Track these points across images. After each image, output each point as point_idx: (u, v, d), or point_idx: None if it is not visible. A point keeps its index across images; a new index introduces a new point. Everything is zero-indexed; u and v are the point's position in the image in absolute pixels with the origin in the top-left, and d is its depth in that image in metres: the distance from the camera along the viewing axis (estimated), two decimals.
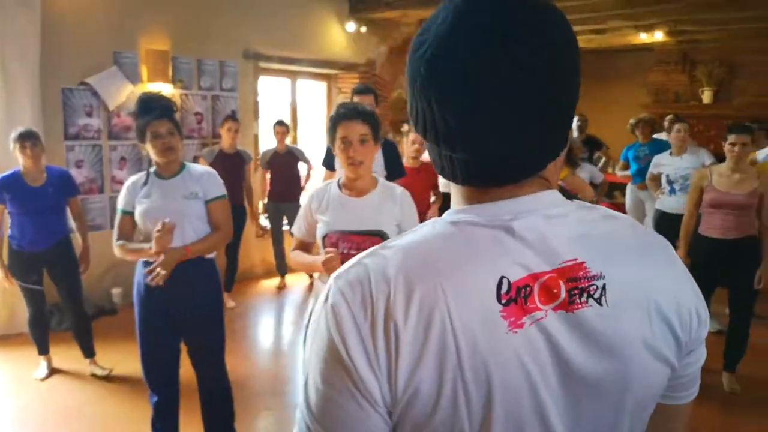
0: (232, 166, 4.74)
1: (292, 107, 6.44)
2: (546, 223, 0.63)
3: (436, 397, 0.58)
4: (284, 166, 5.26)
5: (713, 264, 3.38)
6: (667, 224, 4.53)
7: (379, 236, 2.05)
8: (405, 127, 7.03)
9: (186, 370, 2.63)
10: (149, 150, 2.42)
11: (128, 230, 2.50)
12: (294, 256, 2.26)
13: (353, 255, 1.99)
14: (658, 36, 7.31)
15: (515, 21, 0.59)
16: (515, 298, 0.60)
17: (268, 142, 5.66)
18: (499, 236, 0.62)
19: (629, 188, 5.79)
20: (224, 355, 2.65)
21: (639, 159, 5.55)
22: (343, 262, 2.02)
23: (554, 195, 0.66)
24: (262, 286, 5.60)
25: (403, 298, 0.59)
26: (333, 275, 0.66)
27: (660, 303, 0.64)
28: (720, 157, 4.34)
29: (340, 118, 2.07)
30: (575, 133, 6.21)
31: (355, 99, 3.53)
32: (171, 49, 4.93)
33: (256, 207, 5.27)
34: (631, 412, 0.65)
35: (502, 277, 0.60)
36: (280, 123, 5.32)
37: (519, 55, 0.58)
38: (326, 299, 0.63)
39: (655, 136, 5.78)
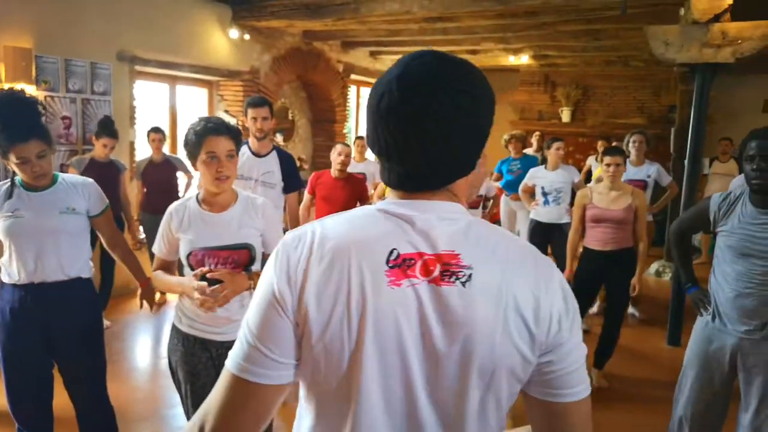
0: (104, 175, 4.41)
1: (171, 114, 6.13)
2: (438, 222, 0.84)
3: (329, 317, 0.82)
4: (161, 175, 4.99)
5: (594, 273, 3.75)
6: (540, 232, 4.93)
7: (246, 249, 2.06)
8: (278, 137, 6.98)
9: (60, 400, 2.41)
10: (14, 170, 2.19)
11: None
12: (157, 275, 2.17)
13: (221, 270, 2.03)
14: (524, 59, 7.94)
15: (453, 74, 0.83)
16: (400, 264, 0.82)
17: (145, 149, 5.34)
18: (403, 224, 0.85)
19: (503, 199, 6.20)
20: (106, 379, 2.47)
21: (512, 172, 5.97)
22: (209, 281, 1.96)
23: (453, 206, 0.87)
24: (138, 302, 5.24)
25: (319, 248, 0.84)
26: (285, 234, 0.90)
27: (518, 300, 0.82)
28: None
29: (208, 131, 2.01)
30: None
31: (250, 111, 3.45)
32: (34, 46, 4.50)
33: (133, 219, 4.94)
34: (478, 384, 0.83)
35: (393, 249, 0.83)
36: (155, 130, 5.03)
37: (456, 98, 0.81)
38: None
39: (524, 151, 6.25)
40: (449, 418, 0.84)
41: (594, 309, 5.20)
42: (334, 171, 4.13)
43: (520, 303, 0.82)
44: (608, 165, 3.66)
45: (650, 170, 5.01)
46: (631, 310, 5.11)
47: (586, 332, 4.54)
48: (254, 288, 1.99)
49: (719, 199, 2.41)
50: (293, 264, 0.84)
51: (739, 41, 4.07)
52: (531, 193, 5.09)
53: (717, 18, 4.13)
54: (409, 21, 5.82)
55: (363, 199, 4.33)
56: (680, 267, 2.68)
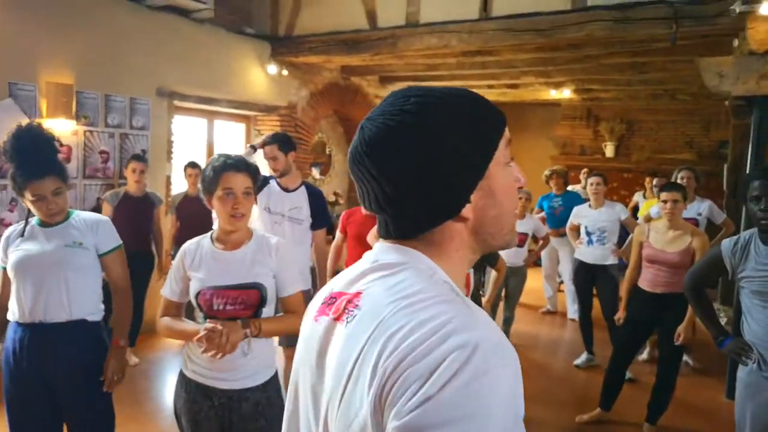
0: (138, 209, 4.40)
1: (208, 148, 6.16)
2: (378, 266, 0.80)
3: None
4: (196, 210, 4.96)
5: (643, 315, 3.48)
6: (584, 273, 4.67)
7: (256, 289, 1.96)
8: (314, 171, 6.94)
9: None
10: (29, 207, 2.15)
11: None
12: (166, 323, 2.05)
13: (229, 312, 1.89)
14: (566, 93, 7.75)
15: (433, 117, 0.75)
16: (328, 302, 0.84)
17: (181, 184, 5.34)
18: (361, 266, 0.83)
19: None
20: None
21: (553, 209, 5.74)
22: (219, 317, 1.84)
23: (396, 250, 0.80)
24: (167, 339, 5.17)
25: None
26: None
27: (375, 359, 0.69)
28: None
29: (225, 168, 1.97)
30: None
31: (262, 151, 3.43)
32: (75, 82, 4.57)
33: (165, 254, 4.90)
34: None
35: (332, 288, 0.86)
36: (192, 165, 5.04)
37: (432, 145, 0.74)
38: None
39: (569, 188, 6.02)
40: None
41: (644, 355, 4.87)
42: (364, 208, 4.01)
43: (376, 362, 0.69)
44: (665, 201, 3.40)
45: (701, 207, 4.72)
46: (684, 358, 4.75)
47: (632, 381, 4.20)
48: (252, 336, 1.90)
49: (731, 245, 2.32)
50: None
51: None
52: (577, 231, 4.86)
53: None
54: (447, 55, 5.74)
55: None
56: (705, 322, 2.51)
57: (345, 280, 0.84)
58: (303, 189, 3.50)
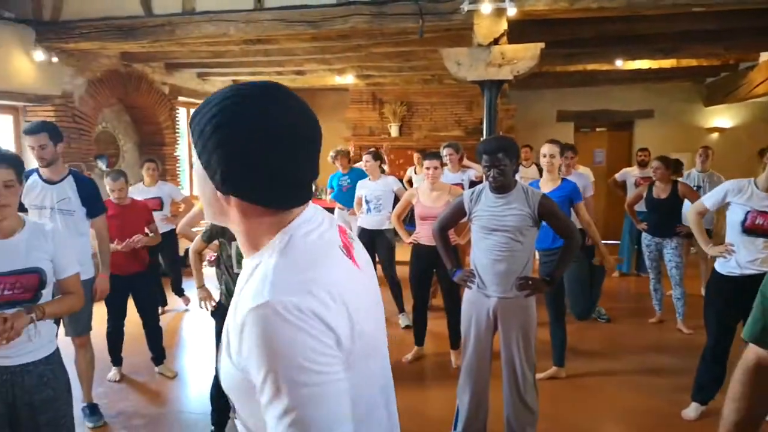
0: None
1: None
2: (323, 215, 1.05)
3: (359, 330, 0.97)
4: None
5: (423, 264, 4.43)
6: (367, 237, 5.30)
7: (35, 273, 2.10)
8: (100, 163, 6.65)
9: None
10: None
11: None
12: None
13: (7, 296, 2.09)
14: (350, 79, 8.37)
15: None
16: (345, 250, 1.03)
17: None
18: (320, 227, 1.03)
19: (337, 212, 6.45)
20: None
21: (342, 186, 6.26)
22: None
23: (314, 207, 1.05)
24: None
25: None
26: None
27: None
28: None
29: None
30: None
31: (27, 140, 3.28)
32: None
33: None
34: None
35: (339, 245, 1.03)
36: None
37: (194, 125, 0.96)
38: None
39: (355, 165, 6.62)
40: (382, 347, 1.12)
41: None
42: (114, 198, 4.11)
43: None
44: (427, 168, 4.26)
45: (464, 176, 5.68)
46: None
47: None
48: (37, 320, 2.02)
49: (469, 194, 3.02)
50: (334, 322, 0.91)
51: (515, 61, 4.76)
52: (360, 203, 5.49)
53: (496, 41, 4.78)
54: (229, 43, 5.91)
55: (149, 221, 4.35)
56: (442, 254, 3.25)
57: (332, 236, 1.02)
58: (70, 178, 3.43)
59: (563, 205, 3.85)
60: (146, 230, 4.26)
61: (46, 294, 2.15)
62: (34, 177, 3.38)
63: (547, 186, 4.09)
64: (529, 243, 2.88)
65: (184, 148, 8.62)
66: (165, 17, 5.32)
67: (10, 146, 6.00)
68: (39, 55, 5.74)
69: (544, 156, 4.12)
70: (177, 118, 8.11)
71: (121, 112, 7.56)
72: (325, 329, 0.85)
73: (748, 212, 3.17)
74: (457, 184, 5.21)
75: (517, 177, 7.72)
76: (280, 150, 0.88)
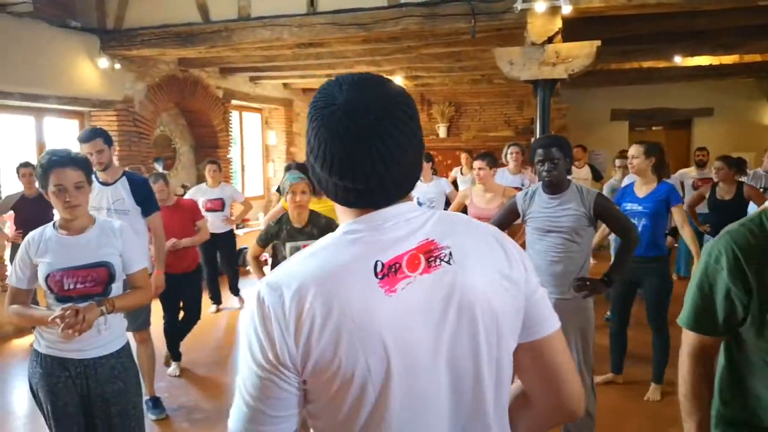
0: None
1: (39, 147, 5.89)
2: (405, 223, 0.91)
3: (340, 361, 0.84)
4: (35, 210, 4.81)
5: None
6: None
7: (104, 267, 2.18)
8: (157, 166, 6.88)
9: None
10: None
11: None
12: (15, 310, 2.20)
13: (80, 290, 2.16)
14: (399, 80, 8.40)
15: (395, 95, 0.89)
16: (387, 273, 0.88)
17: (12, 185, 5.11)
18: (373, 238, 0.90)
19: None
20: None
21: None
22: (71, 295, 2.03)
23: (411, 204, 0.95)
24: (14, 345, 4.99)
25: (301, 302, 0.86)
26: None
27: (493, 258, 0.94)
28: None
29: (53, 164, 2.12)
30: None
31: (83, 147, 3.35)
32: None
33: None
34: (489, 347, 0.91)
35: (377, 261, 0.88)
36: (24, 165, 4.87)
37: (409, 114, 0.89)
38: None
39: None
40: (468, 388, 0.91)
41: None
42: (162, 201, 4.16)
43: (498, 262, 0.93)
44: (474, 169, 4.23)
45: (524, 178, 5.60)
46: None
47: None
48: (107, 313, 2.10)
49: (522, 195, 2.96)
50: (283, 324, 0.85)
51: (570, 59, 4.67)
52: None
53: (550, 40, 4.71)
54: (282, 47, 6.03)
55: (197, 218, 4.42)
56: None
57: (381, 251, 0.89)
58: (123, 180, 3.52)
59: (661, 209, 3.68)
60: (195, 228, 4.37)
61: (116, 288, 2.25)
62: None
63: (641, 190, 3.83)
64: (585, 243, 2.82)
65: (237, 150, 8.84)
66: (221, 23, 5.47)
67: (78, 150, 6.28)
68: (103, 62, 6.01)
69: (630, 158, 3.89)
70: (230, 121, 8.32)
71: (178, 116, 7.81)
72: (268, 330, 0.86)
73: None
74: (516, 188, 5.16)
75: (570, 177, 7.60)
76: (317, 139, 0.88)
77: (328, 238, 0.94)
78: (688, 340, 1.46)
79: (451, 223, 0.96)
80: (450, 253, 0.90)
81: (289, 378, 0.86)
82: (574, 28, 4.93)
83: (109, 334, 2.21)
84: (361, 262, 0.88)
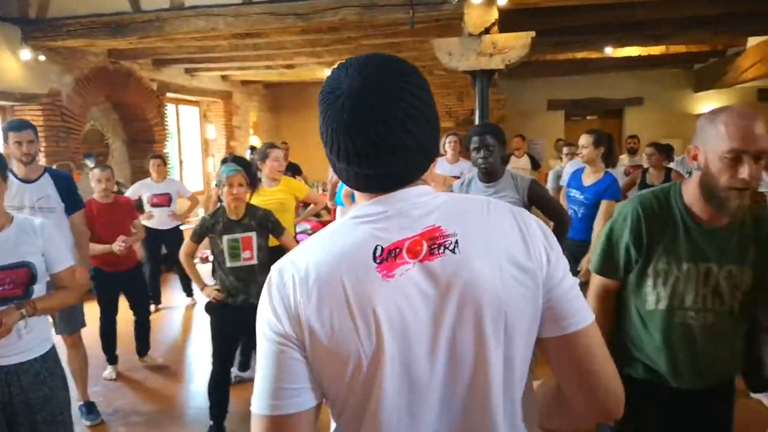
0: None
1: None
2: (412, 207, 0.88)
3: (339, 338, 0.85)
4: None
5: None
6: None
7: (25, 267, 2.08)
8: (88, 162, 6.58)
9: None
10: None
11: None
12: None
13: None
14: None
15: (405, 76, 0.86)
16: (386, 258, 0.86)
17: None
18: (378, 222, 0.88)
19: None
20: None
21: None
22: None
23: (423, 188, 0.92)
24: None
25: (305, 281, 0.87)
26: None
27: (508, 247, 0.88)
28: None
29: None
30: None
31: (12, 136, 3.20)
32: None
33: None
34: (496, 343, 0.87)
35: (377, 246, 0.87)
36: None
37: (417, 95, 0.85)
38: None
39: None
40: (473, 385, 0.88)
41: None
42: (97, 197, 4.02)
43: (511, 249, 0.88)
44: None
45: (463, 167, 5.65)
46: None
47: None
48: (27, 316, 2.00)
49: (459, 184, 3.00)
50: (287, 302, 0.87)
51: (506, 50, 4.75)
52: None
53: (487, 31, 4.77)
54: (218, 38, 5.86)
55: (134, 217, 4.28)
56: None
57: (383, 235, 0.87)
58: (47, 176, 3.36)
59: (600, 201, 3.72)
60: (131, 228, 4.25)
61: (39, 290, 2.13)
62: (10, 177, 3.32)
63: (588, 179, 3.91)
64: None
65: (174, 145, 8.58)
66: (153, 13, 5.27)
67: None
68: (25, 53, 5.67)
69: (579, 147, 3.98)
70: (166, 115, 8.05)
71: (109, 110, 7.49)
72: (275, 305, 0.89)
73: None
74: (455, 176, 5.21)
75: (509, 168, 7.79)
76: (325, 125, 0.87)
77: (337, 222, 0.94)
78: (595, 282, 1.75)
79: (463, 207, 0.92)
80: (456, 242, 0.87)
81: (297, 348, 0.87)
82: (510, 20, 5.01)
83: (32, 338, 2.09)
84: (363, 246, 0.87)
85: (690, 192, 1.59)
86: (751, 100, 9.27)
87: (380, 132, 0.83)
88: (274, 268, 0.92)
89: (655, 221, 1.60)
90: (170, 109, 8.36)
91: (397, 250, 0.86)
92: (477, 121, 5.03)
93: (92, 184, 4.06)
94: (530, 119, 9.79)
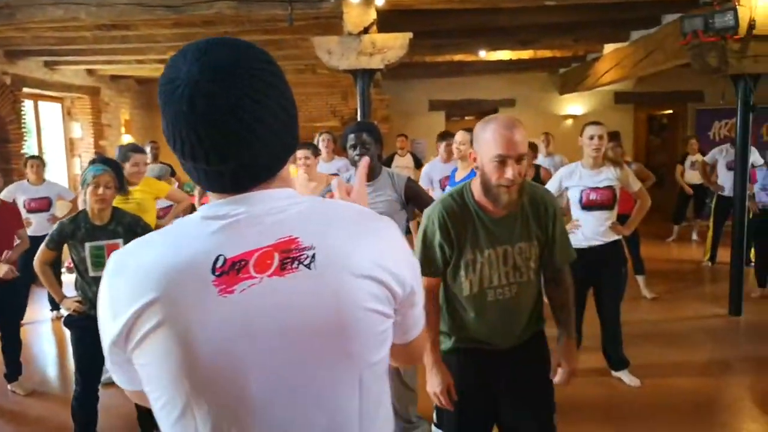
0: None
1: None
2: (271, 212, 0.80)
3: (156, 358, 0.77)
4: None
5: None
6: None
7: None
8: None
9: None
10: None
11: None
12: None
13: None
14: None
15: (251, 60, 0.78)
16: (228, 270, 0.76)
17: None
18: (230, 225, 0.79)
19: None
20: None
21: None
22: None
23: (286, 191, 0.83)
24: None
25: (134, 284, 0.78)
26: None
27: (368, 265, 0.81)
28: None
29: None
30: (149, 160, 6.27)
31: None
32: None
33: None
34: (348, 361, 0.81)
35: (219, 256, 0.77)
36: None
37: (266, 80, 0.78)
38: None
39: None
40: (329, 411, 0.81)
41: None
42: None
43: (371, 267, 0.81)
44: (299, 159, 4.17)
45: (339, 164, 5.66)
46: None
47: None
48: None
49: (338, 181, 2.96)
50: (117, 304, 0.79)
51: (385, 50, 4.83)
52: None
53: (366, 30, 4.82)
54: (80, 29, 5.42)
55: (19, 227, 3.96)
56: None
57: (232, 241, 0.78)
58: None
59: None
60: (15, 237, 3.87)
61: None
62: None
63: (460, 174, 4.13)
64: (400, 226, 2.93)
65: (33, 144, 7.82)
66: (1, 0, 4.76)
67: None
68: None
69: (455, 143, 4.20)
70: (23, 112, 7.31)
71: None
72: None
73: (582, 191, 3.55)
74: (333, 174, 5.20)
75: (393, 166, 7.97)
76: (165, 119, 0.79)
77: (185, 219, 0.83)
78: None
79: (326, 216, 0.84)
80: (313, 256, 0.78)
81: (124, 354, 0.81)
82: (389, 21, 5.11)
83: None
84: (201, 255, 0.77)
85: (476, 189, 1.86)
86: (609, 103, 10.17)
87: (226, 122, 0.75)
88: (113, 261, 0.83)
89: (457, 219, 1.86)
90: (28, 105, 7.61)
91: (243, 263, 0.77)
92: (359, 120, 5.06)
93: None
94: (413, 119, 10.04)
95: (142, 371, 0.80)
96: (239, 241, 0.78)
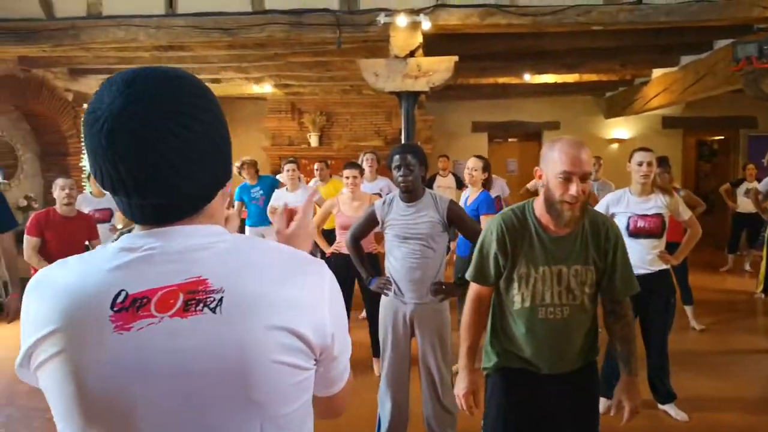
0: None
1: None
2: (184, 248, 0.77)
3: (53, 390, 0.76)
4: None
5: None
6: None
7: None
8: None
9: None
10: None
11: None
12: None
13: None
14: (268, 88, 8.27)
15: (178, 93, 0.76)
16: (128, 307, 0.74)
17: None
18: (142, 259, 0.77)
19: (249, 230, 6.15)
20: None
21: (256, 199, 5.99)
22: None
23: (211, 228, 0.81)
24: None
25: (38, 310, 0.78)
26: None
27: (283, 315, 0.77)
28: None
29: None
30: None
31: None
32: None
33: None
34: (252, 414, 0.77)
35: (121, 291, 0.75)
36: None
37: (194, 115, 0.76)
38: None
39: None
40: None
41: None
42: (59, 208, 3.92)
43: (285, 317, 0.78)
44: (347, 177, 4.22)
45: (381, 184, 5.71)
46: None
47: None
48: None
49: (381, 203, 3.03)
50: (26, 326, 0.79)
51: (431, 73, 4.89)
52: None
53: (412, 53, 4.90)
54: (139, 49, 5.69)
55: (93, 237, 4.16)
56: (359, 265, 3.23)
57: (139, 277, 0.76)
58: None
59: (476, 216, 3.93)
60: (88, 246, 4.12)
61: None
62: None
63: (471, 198, 4.17)
64: (441, 249, 2.93)
65: None
66: (68, 21, 5.05)
67: None
68: None
69: (467, 169, 4.21)
70: (82, 127, 7.67)
71: (20, 120, 7.07)
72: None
73: (629, 218, 3.47)
74: (376, 194, 5.27)
75: (435, 187, 7.96)
76: (89, 153, 0.77)
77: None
78: (472, 289, 2.09)
79: (246, 258, 0.80)
80: (220, 299, 0.75)
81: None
82: (435, 44, 5.17)
83: None
84: (103, 288, 0.75)
85: (539, 206, 1.93)
86: (656, 127, 9.97)
87: (147, 158, 0.73)
88: (34, 279, 0.82)
89: (515, 233, 1.93)
90: None
91: (145, 300, 0.75)
92: (404, 141, 5.13)
93: (55, 194, 3.98)
94: (456, 140, 10.06)
95: (45, 393, 0.79)
96: (145, 278, 0.76)
